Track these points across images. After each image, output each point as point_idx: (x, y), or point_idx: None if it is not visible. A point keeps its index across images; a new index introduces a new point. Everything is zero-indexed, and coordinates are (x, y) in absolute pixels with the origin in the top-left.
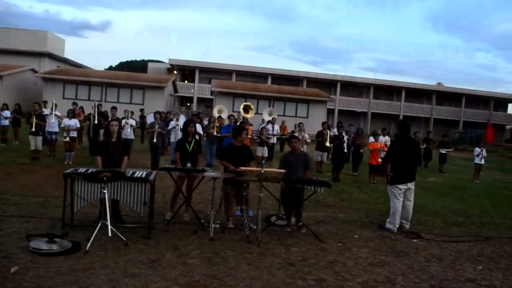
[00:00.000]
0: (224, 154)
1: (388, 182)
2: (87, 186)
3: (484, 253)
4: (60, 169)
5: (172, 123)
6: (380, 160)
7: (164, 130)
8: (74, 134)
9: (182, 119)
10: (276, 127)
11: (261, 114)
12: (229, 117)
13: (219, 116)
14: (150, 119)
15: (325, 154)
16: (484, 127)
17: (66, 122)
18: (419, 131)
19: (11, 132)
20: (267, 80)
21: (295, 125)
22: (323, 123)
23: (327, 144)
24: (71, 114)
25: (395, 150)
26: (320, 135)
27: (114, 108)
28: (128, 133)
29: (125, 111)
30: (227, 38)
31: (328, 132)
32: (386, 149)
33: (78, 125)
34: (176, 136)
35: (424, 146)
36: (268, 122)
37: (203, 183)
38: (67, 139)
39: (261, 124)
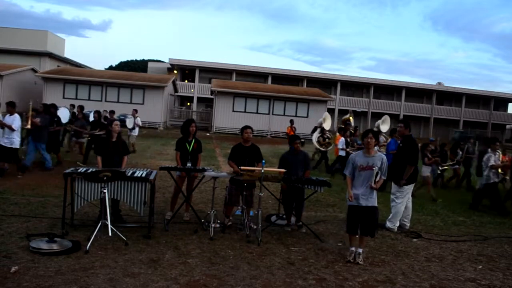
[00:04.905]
0: (232, 155)
1: (402, 184)
2: (87, 185)
3: (484, 253)
4: (60, 169)
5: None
6: None
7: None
8: None
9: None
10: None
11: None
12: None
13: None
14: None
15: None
16: (485, 127)
17: None
18: (419, 131)
19: None
20: (267, 79)
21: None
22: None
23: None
24: None
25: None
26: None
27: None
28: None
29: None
30: (227, 38)
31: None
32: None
33: None
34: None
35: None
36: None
37: (203, 183)
38: None
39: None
